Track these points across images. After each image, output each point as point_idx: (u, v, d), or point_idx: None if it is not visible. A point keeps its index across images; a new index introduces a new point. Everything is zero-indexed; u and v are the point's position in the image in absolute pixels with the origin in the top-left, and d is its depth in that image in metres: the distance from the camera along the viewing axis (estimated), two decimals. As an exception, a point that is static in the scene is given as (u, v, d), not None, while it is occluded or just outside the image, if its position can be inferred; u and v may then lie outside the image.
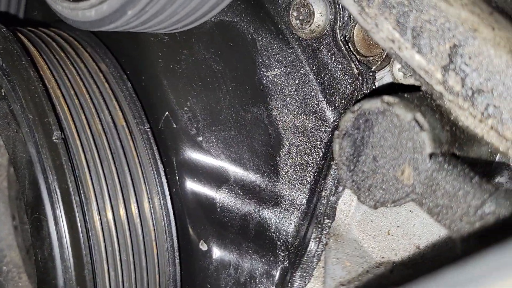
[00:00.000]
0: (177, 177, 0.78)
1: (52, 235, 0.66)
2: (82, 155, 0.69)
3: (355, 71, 0.71)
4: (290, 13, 0.72)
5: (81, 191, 0.68)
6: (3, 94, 0.74)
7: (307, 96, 0.74)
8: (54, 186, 0.66)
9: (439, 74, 0.55)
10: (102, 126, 0.73)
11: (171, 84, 0.78)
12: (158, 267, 0.73)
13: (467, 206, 0.53)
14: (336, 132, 0.63)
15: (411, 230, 0.67)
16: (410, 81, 0.70)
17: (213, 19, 0.76)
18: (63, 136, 0.69)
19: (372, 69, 0.72)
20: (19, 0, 1.09)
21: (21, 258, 0.95)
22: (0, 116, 0.75)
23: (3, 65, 0.75)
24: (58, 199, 0.66)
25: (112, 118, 0.75)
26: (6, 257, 0.95)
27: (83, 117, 0.72)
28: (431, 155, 0.55)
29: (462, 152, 0.58)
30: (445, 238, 0.61)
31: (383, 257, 0.67)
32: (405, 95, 0.60)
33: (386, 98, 0.59)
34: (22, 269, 0.95)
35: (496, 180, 0.63)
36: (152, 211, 0.73)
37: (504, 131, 0.51)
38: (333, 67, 0.72)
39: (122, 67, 0.84)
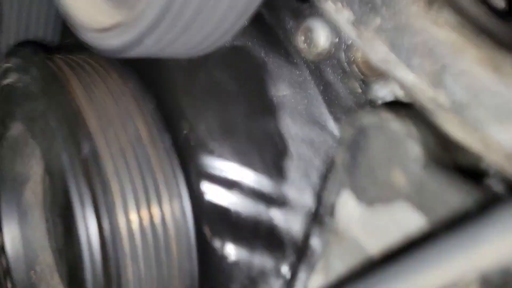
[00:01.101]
0: (195, 182, 0.81)
1: (82, 237, 0.70)
2: (110, 163, 0.73)
3: (359, 90, 0.74)
4: (298, 37, 0.75)
5: (109, 196, 0.71)
6: (42, 111, 0.79)
7: (315, 113, 0.77)
8: (84, 191, 0.69)
9: (431, 91, 0.57)
10: (129, 139, 0.77)
11: (189, 103, 0.82)
12: (177, 263, 0.76)
13: (452, 205, 0.55)
14: (338, 143, 0.66)
15: (407, 228, 0.69)
16: (410, 99, 0.72)
17: (227, 44, 0.80)
18: (93, 148, 0.73)
19: (375, 88, 0.75)
20: (55, 28, 1.14)
21: (53, 258, 0.98)
22: (38, 131, 0.80)
23: (42, 85, 0.80)
24: (87, 203, 0.69)
25: (138, 132, 0.79)
26: (39, 257, 0.99)
27: (112, 130, 0.76)
28: (423, 165, 0.58)
29: (454, 162, 0.61)
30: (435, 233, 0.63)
31: (380, 254, 0.69)
32: (401, 110, 0.62)
33: (383, 113, 0.61)
34: (54, 269, 0.98)
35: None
36: (172, 212, 0.77)
37: (488, 142, 0.53)
38: (338, 87, 0.75)
39: (146, 87, 0.88)
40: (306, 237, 0.74)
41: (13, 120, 0.90)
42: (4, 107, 0.93)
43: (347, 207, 0.71)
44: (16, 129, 0.94)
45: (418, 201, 0.57)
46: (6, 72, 0.91)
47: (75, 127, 0.74)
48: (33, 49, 0.88)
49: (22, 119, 0.87)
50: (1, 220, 1.01)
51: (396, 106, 0.71)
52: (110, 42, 0.65)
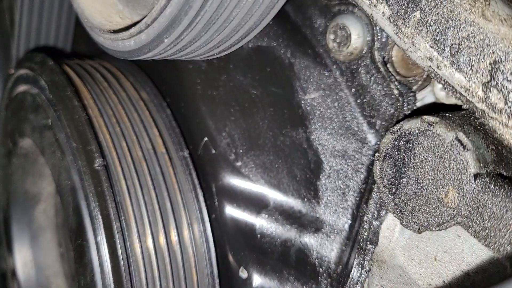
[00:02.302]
0: (216, 203, 0.78)
1: (94, 261, 0.68)
2: (123, 182, 0.71)
3: (395, 92, 0.70)
4: (327, 36, 0.72)
5: (122, 217, 0.69)
6: (49, 124, 0.78)
7: (347, 118, 0.74)
8: (96, 213, 0.68)
9: (481, 91, 0.53)
10: (143, 153, 0.75)
11: (209, 110, 0.80)
12: (198, 294, 0.74)
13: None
14: (377, 154, 0.63)
15: (459, 255, 0.64)
16: (453, 100, 0.69)
17: (250, 45, 0.78)
18: (105, 163, 0.71)
19: (413, 90, 0.71)
20: (66, 34, 1.15)
21: (67, 285, 0.98)
22: (46, 145, 0.79)
23: (50, 96, 0.79)
24: (99, 225, 0.68)
25: (152, 145, 0.77)
26: (52, 284, 0.98)
27: (124, 144, 0.75)
28: (476, 176, 0.54)
29: (510, 172, 0.57)
30: (495, 262, 0.58)
31: (430, 284, 0.65)
32: (447, 114, 0.59)
33: (427, 117, 0.58)
34: (67, 296, 0.97)
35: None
36: (191, 237, 0.74)
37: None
38: (372, 88, 0.72)
39: (162, 95, 0.87)
40: (345, 266, 0.70)
41: (23, 134, 0.90)
42: (14, 120, 0.93)
43: (392, 233, 0.67)
44: (26, 144, 0.94)
45: (476, 225, 0.53)
46: (17, 81, 0.91)
47: (85, 142, 0.72)
48: (43, 58, 0.87)
49: (31, 133, 0.87)
50: (13, 243, 1.01)
51: (438, 109, 0.67)
52: (126, 43, 0.65)
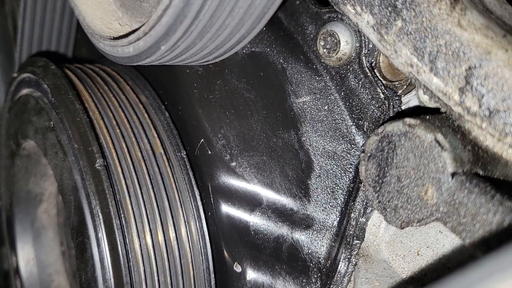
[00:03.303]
0: (212, 201, 0.82)
1: (95, 256, 0.72)
2: (123, 181, 0.75)
3: (382, 95, 0.74)
4: (318, 42, 0.76)
5: (122, 215, 0.73)
6: (52, 125, 0.82)
7: (336, 121, 0.78)
8: (97, 210, 0.72)
9: (457, 95, 0.58)
10: (142, 154, 0.79)
11: (205, 113, 0.84)
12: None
13: (489, 223, 0.55)
14: (362, 154, 0.67)
15: (441, 250, 0.68)
16: (435, 104, 0.72)
17: (244, 50, 0.81)
18: (105, 164, 0.75)
19: (398, 93, 0.75)
20: (68, 39, 1.18)
21: (68, 282, 1.01)
22: (49, 146, 0.83)
23: (52, 99, 0.83)
24: (100, 222, 0.71)
25: (150, 146, 0.81)
26: (54, 282, 1.02)
27: (124, 145, 0.79)
28: (453, 175, 0.58)
29: (486, 172, 0.60)
30: (472, 255, 0.62)
31: (412, 278, 0.69)
32: (427, 117, 0.63)
33: (408, 120, 0.62)
34: (68, 292, 1.01)
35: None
36: (188, 234, 0.78)
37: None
38: (360, 92, 0.75)
39: (160, 98, 0.90)
40: (333, 261, 0.74)
41: (26, 136, 0.94)
42: (17, 122, 0.96)
43: (378, 229, 0.71)
44: (29, 146, 0.98)
45: (453, 220, 0.57)
46: (19, 85, 0.95)
47: (87, 143, 0.76)
48: (45, 62, 0.91)
49: (33, 135, 0.90)
50: (15, 241, 1.04)
51: (421, 112, 0.71)
52: (126, 49, 0.68)
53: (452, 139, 0.59)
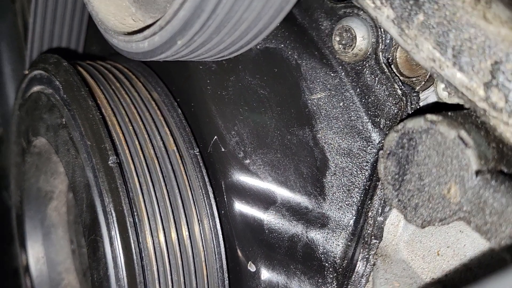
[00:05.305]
0: (225, 199, 0.80)
1: (108, 255, 0.70)
2: (136, 179, 0.73)
3: (399, 92, 0.72)
4: (333, 38, 0.74)
5: (135, 213, 0.71)
6: (64, 122, 0.80)
7: (352, 118, 0.76)
8: (110, 208, 0.70)
9: (482, 91, 0.55)
10: (154, 151, 0.77)
11: (219, 110, 0.82)
12: (208, 288, 0.75)
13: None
14: (381, 152, 0.64)
15: (462, 250, 0.66)
16: (455, 100, 0.70)
17: (258, 47, 0.79)
18: (118, 161, 0.73)
19: (416, 90, 0.73)
20: (79, 36, 1.17)
21: (78, 281, 0.99)
22: (61, 143, 0.81)
23: (64, 96, 0.81)
24: (113, 220, 0.69)
25: (163, 143, 0.79)
26: (64, 280, 1.00)
27: (137, 142, 0.77)
28: (477, 172, 0.56)
29: (511, 169, 0.58)
30: (496, 256, 0.60)
31: (432, 278, 0.67)
32: (449, 113, 0.60)
33: (429, 116, 0.60)
34: (79, 291, 0.99)
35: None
36: (202, 232, 0.76)
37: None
38: (377, 89, 0.73)
39: (173, 95, 0.88)
40: (350, 260, 0.72)
41: (37, 134, 0.92)
42: (28, 119, 0.94)
43: (396, 229, 0.69)
44: (39, 143, 0.96)
45: (477, 220, 0.55)
46: (31, 82, 0.93)
47: (99, 140, 0.74)
48: (57, 59, 0.89)
49: (45, 132, 0.89)
50: (25, 239, 1.03)
51: (440, 108, 0.69)
52: (140, 45, 0.66)
53: (475, 136, 0.57)
